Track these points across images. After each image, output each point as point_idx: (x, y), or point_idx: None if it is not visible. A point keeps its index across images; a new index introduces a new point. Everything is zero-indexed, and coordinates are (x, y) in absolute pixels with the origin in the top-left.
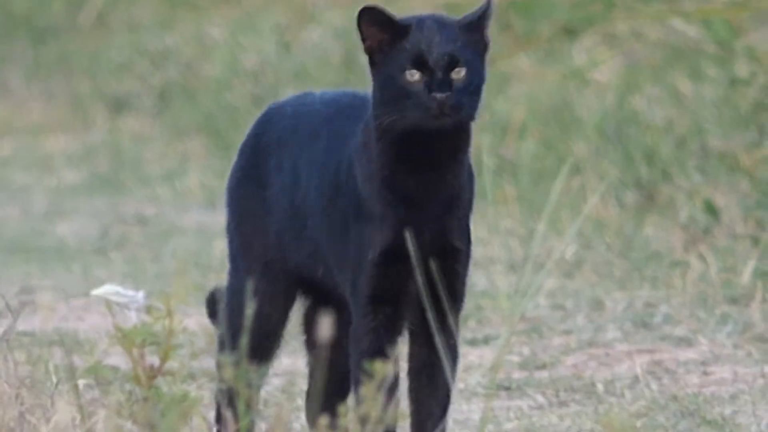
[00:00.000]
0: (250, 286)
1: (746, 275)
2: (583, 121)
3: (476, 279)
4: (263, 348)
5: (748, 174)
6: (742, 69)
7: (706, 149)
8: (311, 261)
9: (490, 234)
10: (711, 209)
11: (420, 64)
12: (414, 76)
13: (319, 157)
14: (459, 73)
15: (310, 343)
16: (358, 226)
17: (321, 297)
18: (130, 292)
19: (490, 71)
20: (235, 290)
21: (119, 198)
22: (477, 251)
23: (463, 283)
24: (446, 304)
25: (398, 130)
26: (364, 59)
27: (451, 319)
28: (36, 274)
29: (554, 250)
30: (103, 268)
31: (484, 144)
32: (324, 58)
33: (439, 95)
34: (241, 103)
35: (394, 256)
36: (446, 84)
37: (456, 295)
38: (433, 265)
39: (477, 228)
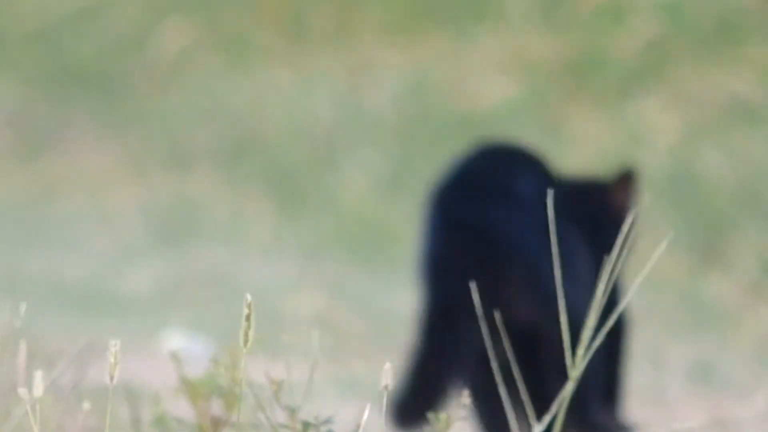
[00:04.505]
0: None
1: None
2: (646, 179)
3: None
4: None
5: None
6: None
7: (764, 205)
8: None
9: None
10: None
11: None
12: None
13: None
14: None
15: None
16: None
17: None
18: (196, 344)
19: (548, 133)
20: None
21: (183, 254)
22: None
23: None
24: None
25: None
26: (422, 124)
27: None
28: (102, 327)
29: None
30: (168, 322)
31: None
32: (382, 121)
33: None
34: (301, 163)
35: None
36: None
37: None
38: None
39: None
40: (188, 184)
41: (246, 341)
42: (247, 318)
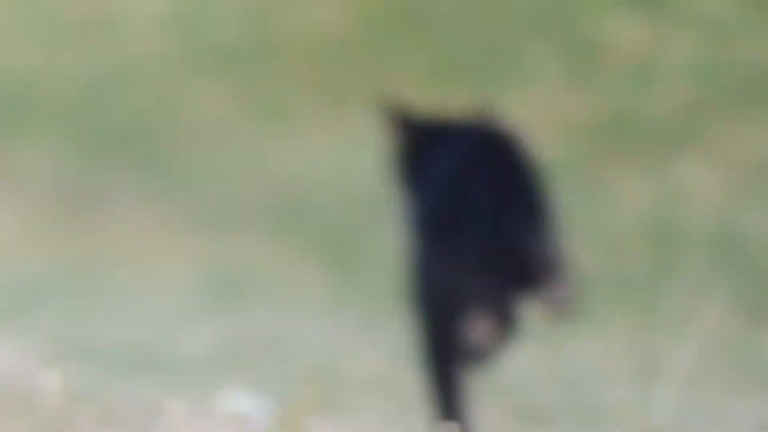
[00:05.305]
0: None
1: None
2: (690, 239)
3: (597, 393)
4: None
5: None
6: None
7: None
8: None
9: (607, 348)
10: None
11: None
12: None
13: None
14: None
15: None
16: None
17: None
18: (254, 406)
19: (587, 195)
20: None
21: (237, 317)
22: (594, 365)
23: None
24: None
25: None
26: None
27: None
28: (161, 389)
29: (673, 364)
30: (225, 384)
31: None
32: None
33: None
34: (351, 223)
35: None
36: None
37: None
38: None
39: (590, 342)
40: (237, 246)
41: (309, 404)
42: (310, 380)
